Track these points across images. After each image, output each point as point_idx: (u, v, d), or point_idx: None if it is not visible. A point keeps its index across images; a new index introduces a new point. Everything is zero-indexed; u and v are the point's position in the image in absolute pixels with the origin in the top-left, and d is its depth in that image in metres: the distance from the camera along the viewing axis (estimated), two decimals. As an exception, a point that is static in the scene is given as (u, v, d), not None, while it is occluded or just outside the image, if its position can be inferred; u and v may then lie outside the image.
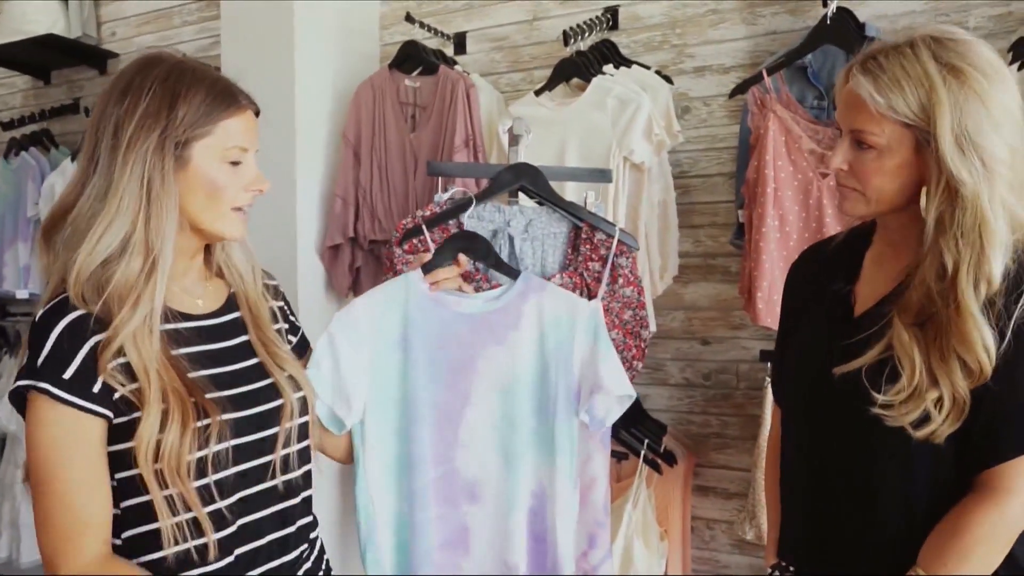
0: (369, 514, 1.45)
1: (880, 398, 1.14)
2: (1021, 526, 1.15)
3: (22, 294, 3.36)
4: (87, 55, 3.50)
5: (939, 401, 1.12)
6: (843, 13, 2.12)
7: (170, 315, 1.18)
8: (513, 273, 1.54)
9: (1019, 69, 1.97)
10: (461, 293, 1.51)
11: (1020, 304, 1.11)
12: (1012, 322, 1.11)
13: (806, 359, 1.34)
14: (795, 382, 1.39)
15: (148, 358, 1.10)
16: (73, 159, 3.24)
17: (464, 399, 1.46)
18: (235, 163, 1.19)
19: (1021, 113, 1.14)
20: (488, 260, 1.58)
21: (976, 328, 1.10)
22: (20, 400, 1.10)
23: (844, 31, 2.07)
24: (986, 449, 1.15)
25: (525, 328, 1.48)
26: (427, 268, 1.50)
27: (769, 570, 1.41)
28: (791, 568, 1.37)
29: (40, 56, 3.53)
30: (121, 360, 1.10)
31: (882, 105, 1.13)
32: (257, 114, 1.26)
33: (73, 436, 1.07)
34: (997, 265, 1.11)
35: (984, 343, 1.09)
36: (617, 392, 1.48)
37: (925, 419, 1.13)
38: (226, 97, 1.19)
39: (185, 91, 1.15)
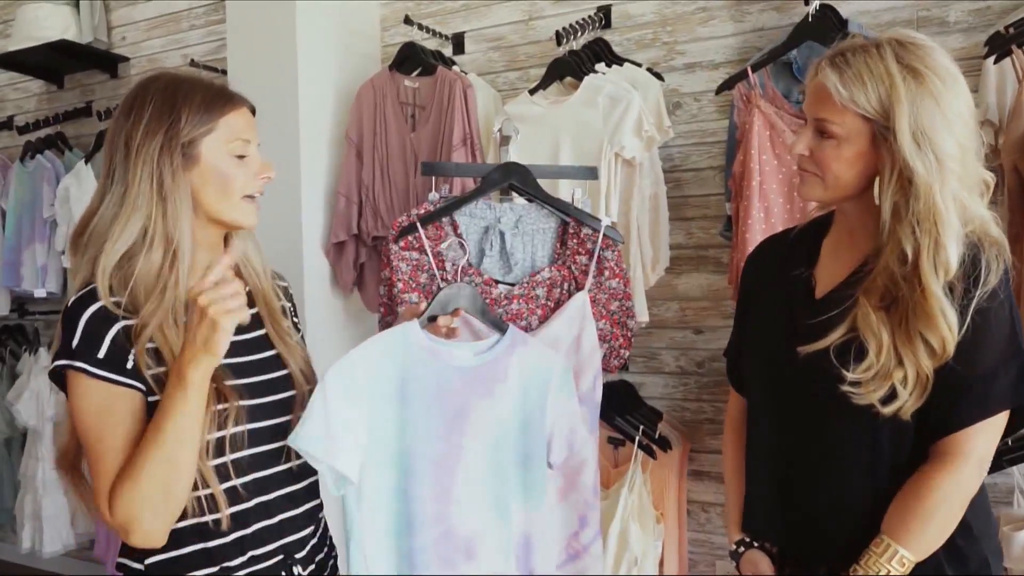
0: None
1: (849, 376, 1.21)
2: (974, 489, 1.25)
3: (40, 293, 3.46)
4: (99, 60, 3.60)
5: (905, 379, 1.20)
6: (826, 10, 2.18)
7: None
8: (501, 326, 1.54)
9: (995, 62, 2.03)
10: (452, 342, 1.50)
11: (979, 287, 1.19)
12: (972, 304, 1.19)
13: (768, 340, 1.41)
14: (758, 363, 1.45)
15: (174, 343, 1.21)
16: (87, 161, 3.34)
17: (457, 453, 1.43)
18: (241, 156, 1.29)
19: (973, 117, 1.23)
20: (480, 314, 1.56)
21: (940, 309, 1.17)
22: (59, 378, 1.21)
23: (825, 28, 2.13)
24: (944, 419, 1.23)
25: (511, 380, 1.49)
26: (424, 318, 1.49)
27: (734, 546, 1.47)
28: (755, 544, 1.44)
29: (53, 61, 3.62)
30: (150, 345, 1.21)
31: (844, 97, 1.21)
32: (253, 111, 1.36)
33: (110, 407, 1.18)
34: (953, 253, 1.18)
35: (948, 323, 1.17)
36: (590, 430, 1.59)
37: (892, 396, 1.20)
38: (222, 95, 1.30)
39: (184, 96, 1.26)
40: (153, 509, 1.15)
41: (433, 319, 1.50)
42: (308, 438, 1.29)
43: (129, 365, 1.19)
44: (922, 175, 1.17)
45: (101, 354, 1.17)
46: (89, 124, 3.63)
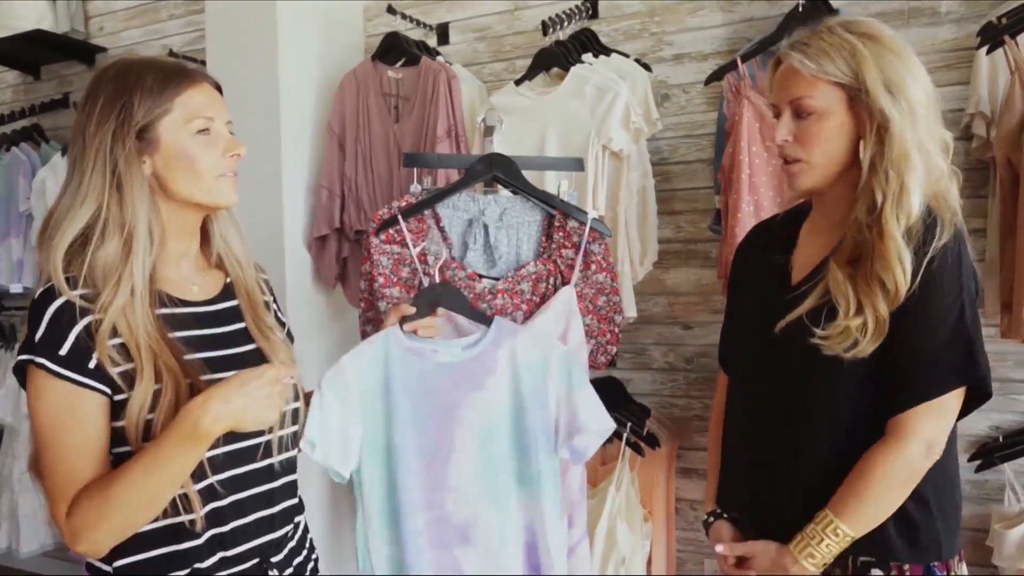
0: (366, 558, 1.52)
1: (819, 332, 1.28)
2: (921, 470, 1.29)
3: (16, 288, 3.39)
4: (76, 50, 3.53)
5: (864, 326, 1.26)
6: (816, 0, 2.14)
7: (166, 300, 1.24)
8: (486, 320, 1.57)
9: (988, 52, 1.99)
10: (437, 341, 1.55)
11: (933, 240, 1.25)
12: (927, 256, 1.24)
13: (749, 322, 1.47)
14: (740, 344, 1.53)
15: (139, 334, 1.16)
16: (63, 154, 3.27)
17: (449, 445, 1.50)
18: (204, 131, 1.24)
19: (928, 79, 1.31)
20: (462, 309, 1.59)
21: (895, 248, 1.24)
22: (21, 373, 1.16)
23: (816, 18, 2.08)
24: (891, 400, 1.29)
25: (501, 373, 1.51)
26: (404, 321, 1.54)
27: (705, 516, 1.54)
28: (725, 515, 1.50)
29: (29, 52, 3.55)
30: (117, 340, 1.15)
31: (814, 69, 1.28)
32: (218, 88, 1.31)
33: (69, 407, 1.13)
34: (916, 198, 1.25)
35: (903, 265, 1.24)
36: (597, 428, 1.52)
37: (854, 344, 1.27)
38: (177, 73, 1.24)
39: (135, 79, 1.21)
40: (112, 534, 1.13)
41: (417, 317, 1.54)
42: (307, 443, 1.41)
43: (92, 364, 1.14)
44: (897, 120, 1.24)
45: (63, 351, 1.13)
46: (66, 116, 3.56)
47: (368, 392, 1.50)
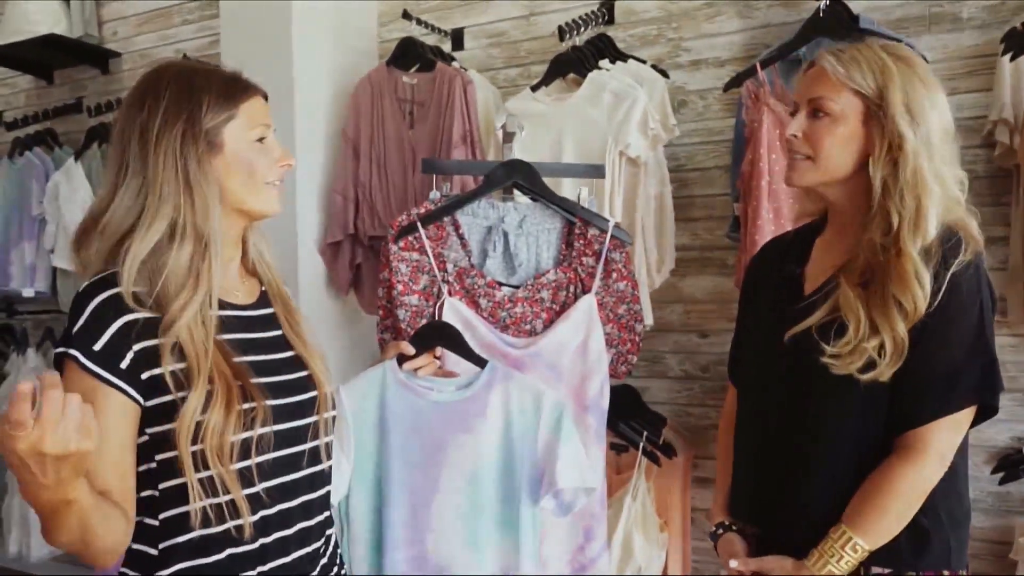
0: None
1: (829, 349, 1.28)
2: (934, 482, 1.29)
3: (28, 292, 3.38)
4: (89, 55, 3.53)
5: (881, 347, 1.26)
6: (836, 5, 2.12)
7: (218, 302, 1.23)
8: (481, 362, 1.57)
9: (1011, 60, 1.97)
10: (434, 379, 1.56)
11: (957, 256, 1.26)
12: (949, 271, 1.25)
13: (761, 332, 1.48)
14: (748, 355, 1.53)
15: (200, 340, 1.14)
16: (77, 158, 3.27)
17: (434, 485, 1.52)
18: (261, 140, 1.25)
19: (951, 123, 1.33)
20: (460, 350, 1.59)
21: (913, 266, 1.25)
22: (60, 365, 1.14)
23: (836, 23, 2.07)
24: (908, 413, 1.29)
25: (491, 417, 1.52)
26: (402, 359, 1.56)
27: (713, 528, 1.53)
28: (734, 527, 1.49)
29: (43, 56, 3.56)
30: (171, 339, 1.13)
31: (842, 74, 1.31)
32: (266, 98, 1.31)
33: (94, 404, 1.07)
34: (932, 219, 1.27)
35: (920, 282, 1.24)
36: (581, 483, 1.51)
37: (871, 365, 1.26)
38: (240, 82, 1.25)
39: (202, 83, 1.21)
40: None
41: (415, 355, 1.56)
42: None
43: (123, 365, 1.12)
44: (911, 142, 1.26)
45: (98, 346, 1.11)
46: (79, 120, 3.56)
47: (362, 424, 1.52)
